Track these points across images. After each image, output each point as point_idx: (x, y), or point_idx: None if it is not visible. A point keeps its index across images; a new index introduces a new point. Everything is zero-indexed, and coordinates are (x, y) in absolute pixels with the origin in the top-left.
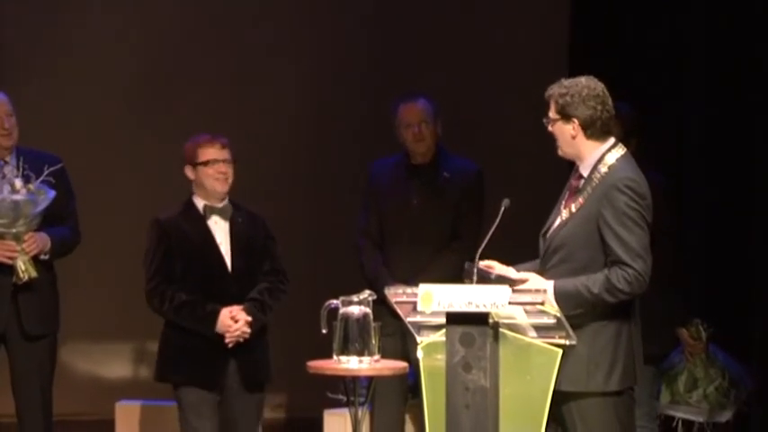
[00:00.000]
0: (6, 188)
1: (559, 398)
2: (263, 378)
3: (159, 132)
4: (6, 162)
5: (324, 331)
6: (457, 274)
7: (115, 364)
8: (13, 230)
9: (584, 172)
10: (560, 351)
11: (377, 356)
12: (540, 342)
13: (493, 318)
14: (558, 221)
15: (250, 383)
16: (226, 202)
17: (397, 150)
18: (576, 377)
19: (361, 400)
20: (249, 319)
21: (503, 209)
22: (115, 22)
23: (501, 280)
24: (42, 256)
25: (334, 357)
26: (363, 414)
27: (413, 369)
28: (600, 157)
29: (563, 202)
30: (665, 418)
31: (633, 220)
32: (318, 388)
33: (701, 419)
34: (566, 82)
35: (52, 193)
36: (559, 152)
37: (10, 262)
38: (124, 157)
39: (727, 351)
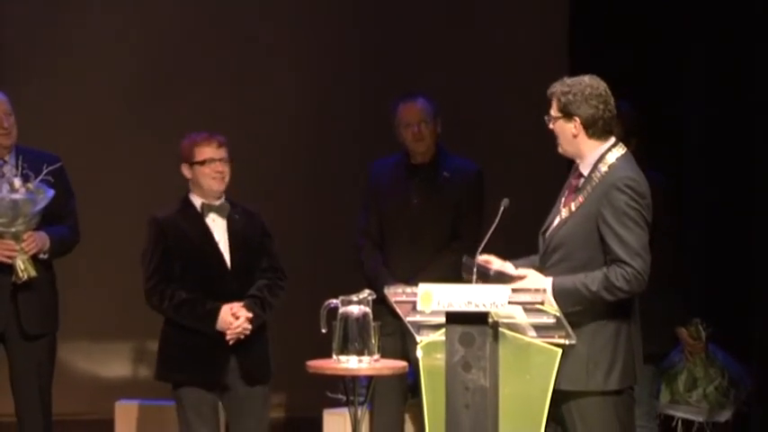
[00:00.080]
0: (5, 187)
1: (559, 397)
2: (263, 374)
3: (159, 132)
4: (5, 161)
5: (323, 331)
6: (457, 275)
7: (115, 364)
8: (12, 229)
9: (585, 171)
10: (560, 350)
11: (376, 356)
12: (539, 341)
13: (492, 317)
14: (557, 220)
15: (251, 379)
16: (223, 199)
17: (396, 150)
18: (576, 376)
19: (361, 399)
20: (250, 315)
21: (502, 208)
22: (115, 22)
23: (500, 275)
24: (41, 256)
25: (334, 357)
26: (363, 414)
27: (412, 369)
28: (600, 156)
29: (562, 201)
30: (665, 417)
31: (633, 219)
32: (318, 387)
33: (700, 419)
34: (568, 80)
35: (51, 193)
36: (560, 150)
37: (9, 261)
38: (124, 156)
39: (727, 351)
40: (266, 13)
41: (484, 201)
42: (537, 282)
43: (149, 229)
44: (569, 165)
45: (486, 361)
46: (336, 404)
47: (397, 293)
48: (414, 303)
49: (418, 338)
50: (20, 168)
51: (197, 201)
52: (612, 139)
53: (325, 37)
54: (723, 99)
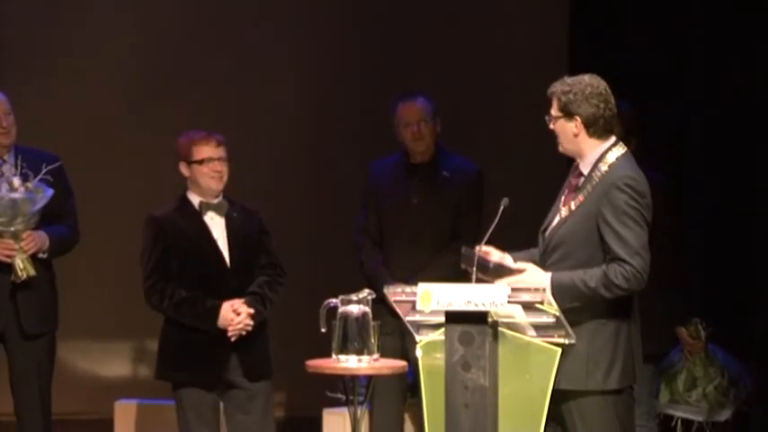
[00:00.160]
0: (5, 186)
1: (559, 396)
2: (264, 371)
3: (159, 132)
4: (5, 160)
5: (323, 330)
6: (457, 274)
7: (114, 363)
8: (12, 229)
9: (585, 170)
10: (559, 350)
11: (376, 355)
12: (539, 341)
13: (492, 317)
14: (557, 219)
15: (254, 375)
16: (221, 197)
17: (396, 150)
18: (576, 376)
19: (360, 399)
20: (251, 311)
21: (502, 208)
22: (115, 22)
23: (499, 267)
24: (41, 255)
25: (334, 356)
26: (362, 413)
27: (412, 368)
28: (601, 155)
29: (562, 200)
30: (665, 417)
31: (632, 218)
32: (317, 387)
33: (700, 418)
34: (569, 80)
35: (50, 192)
36: (560, 149)
37: (8, 260)
38: (123, 156)
39: (727, 350)
40: (266, 14)
41: (484, 200)
42: (536, 276)
43: (147, 228)
44: (569, 164)
45: (486, 360)
46: (336, 403)
47: (396, 293)
48: (413, 303)
49: (418, 338)
50: (19, 168)
51: (195, 199)
52: (613, 139)
53: (325, 37)
54: (723, 99)
